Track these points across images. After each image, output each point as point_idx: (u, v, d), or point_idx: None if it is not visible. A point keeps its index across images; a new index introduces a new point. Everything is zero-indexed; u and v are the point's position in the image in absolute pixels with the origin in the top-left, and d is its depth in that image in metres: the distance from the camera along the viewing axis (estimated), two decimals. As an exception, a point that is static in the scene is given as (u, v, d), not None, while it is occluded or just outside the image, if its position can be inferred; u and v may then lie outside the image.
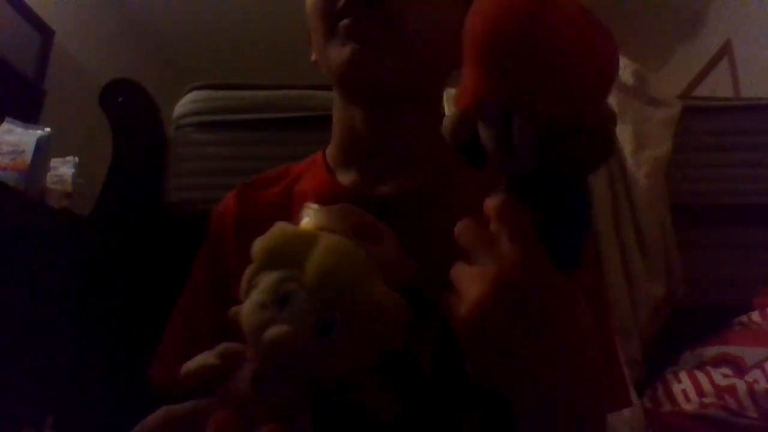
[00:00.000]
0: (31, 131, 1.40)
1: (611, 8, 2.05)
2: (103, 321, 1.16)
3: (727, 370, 1.08)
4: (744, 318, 1.20)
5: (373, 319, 0.37)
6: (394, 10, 0.52)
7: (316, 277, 0.36)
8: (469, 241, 0.39)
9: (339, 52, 0.53)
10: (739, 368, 1.07)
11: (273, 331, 0.34)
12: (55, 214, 1.35)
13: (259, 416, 0.35)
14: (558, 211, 0.39)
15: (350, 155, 0.62)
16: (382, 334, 0.37)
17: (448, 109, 1.38)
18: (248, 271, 0.40)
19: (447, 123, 0.39)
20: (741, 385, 1.03)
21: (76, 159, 1.56)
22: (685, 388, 1.09)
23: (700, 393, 1.07)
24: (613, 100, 1.37)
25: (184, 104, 1.40)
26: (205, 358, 0.38)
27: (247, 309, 0.37)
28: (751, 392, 1.02)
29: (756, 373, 1.04)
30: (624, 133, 1.36)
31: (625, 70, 1.45)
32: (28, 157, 1.34)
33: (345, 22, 0.52)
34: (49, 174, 1.46)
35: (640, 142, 1.35)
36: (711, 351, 1.15)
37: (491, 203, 0.40)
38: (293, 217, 0.46)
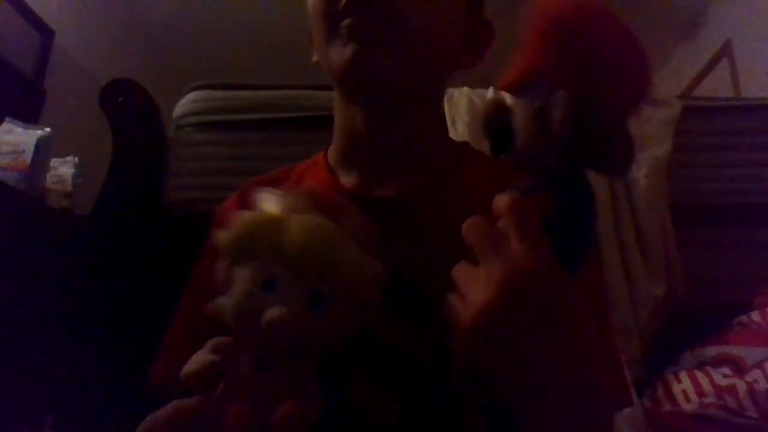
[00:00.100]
0: (31, 131, 1.40)
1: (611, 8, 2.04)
2: (103, 321, 1.16)
3: (727, 370, 1.09)
4: (744, 318, 1.20)
5: (355, 282, 0.38)
6: (395, 11, 0.52)
7: (298, 255, 0.37)
8: (477, 239, 0.39)
9: (340, 53, 0.53)
10: (739, 368, 1.07)
11: (270, 314, 0.35)
12: (55, 214, 1.36)
13: (268, 400, 0.35)
14: (569, 210, 0.39)
15: (351, 156, 0.62)
16: (365, 294, 0.39)
17: (449, 109, 1.38)
18: (221, 265, 0.40)
19: (483, 106, 0.41)
20: (741, 385, 1.03)
21: (76, 159, 1.56)
22: (685, 388, 1.09)
23: (700, 393, 1.07)
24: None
25: (184, 104, 1.40)
26: (203, 357, 0.38)
27: (233, 301, 0.38)
28: (751, 392, 1.02)
29: (756, 373, 1.04)
30: (624, 133, 1.37)
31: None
32: (28, 157, 1.34)
33: (346, 22, 0.52)
34: (49, 174, 1.46)
35: (640, 142, 1.35)
36: (711, 351, 1.15)
37: (502, 201, 0.40)
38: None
